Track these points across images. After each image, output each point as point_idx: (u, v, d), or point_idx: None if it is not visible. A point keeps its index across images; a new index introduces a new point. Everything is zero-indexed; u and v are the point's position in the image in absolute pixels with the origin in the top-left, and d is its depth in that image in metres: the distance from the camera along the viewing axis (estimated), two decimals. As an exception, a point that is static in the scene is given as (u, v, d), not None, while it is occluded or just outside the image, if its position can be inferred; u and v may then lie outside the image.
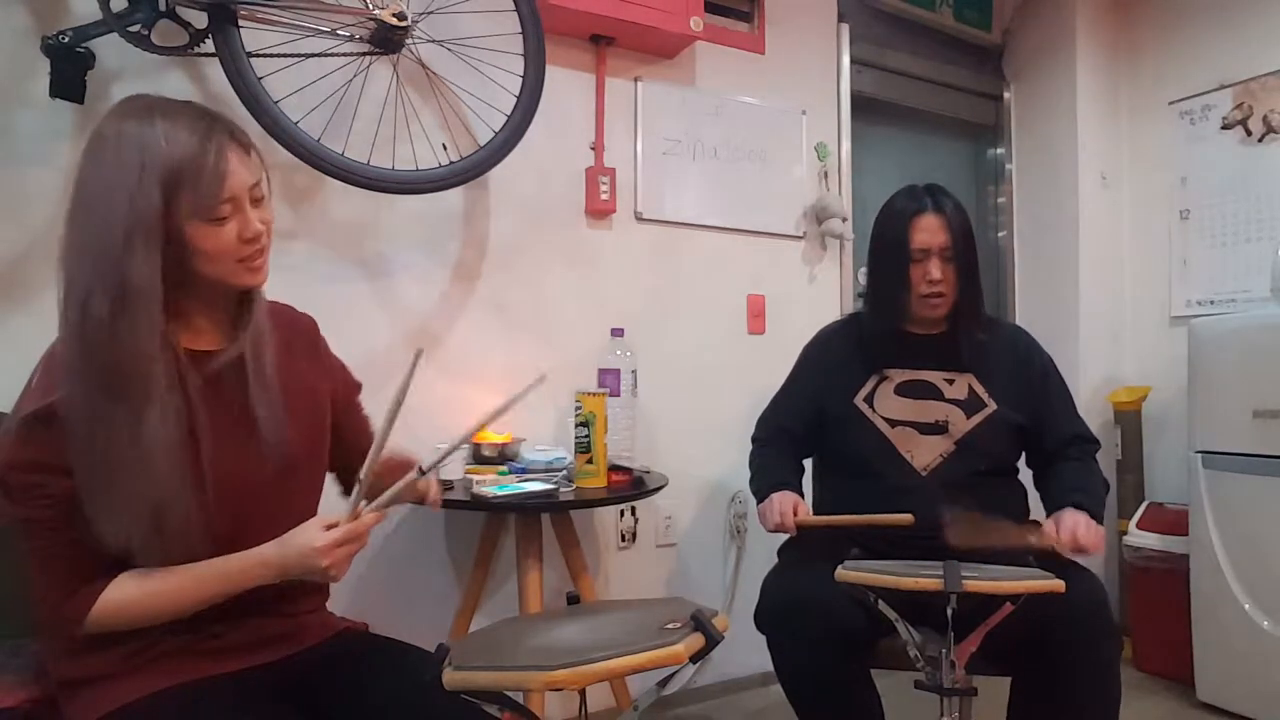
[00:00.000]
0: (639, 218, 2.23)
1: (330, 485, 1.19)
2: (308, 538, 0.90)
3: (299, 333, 1.14)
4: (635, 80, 2.23)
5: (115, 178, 0.86)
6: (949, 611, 1.17)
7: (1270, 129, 2.54)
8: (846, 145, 2.62)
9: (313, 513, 1.10)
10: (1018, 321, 2.91)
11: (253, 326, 1.00)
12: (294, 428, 1.02)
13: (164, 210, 0.87)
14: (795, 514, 1.49)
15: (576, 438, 1.68)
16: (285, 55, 1.59)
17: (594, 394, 1.67)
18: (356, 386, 1.24)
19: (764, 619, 1.43)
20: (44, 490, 0.86)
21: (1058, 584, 1.14)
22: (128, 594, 0.89)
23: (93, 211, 0.86)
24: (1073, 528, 1.38)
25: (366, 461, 0.95)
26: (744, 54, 2.43)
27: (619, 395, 1.92)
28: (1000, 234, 3.11)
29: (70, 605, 0.88)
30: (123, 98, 0.95)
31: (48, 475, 0.86)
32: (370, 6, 1.62)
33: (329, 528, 0.91)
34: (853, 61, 2.65)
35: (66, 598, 0.88)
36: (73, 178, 0.89)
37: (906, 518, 1.38)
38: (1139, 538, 2.48)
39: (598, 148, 2.17)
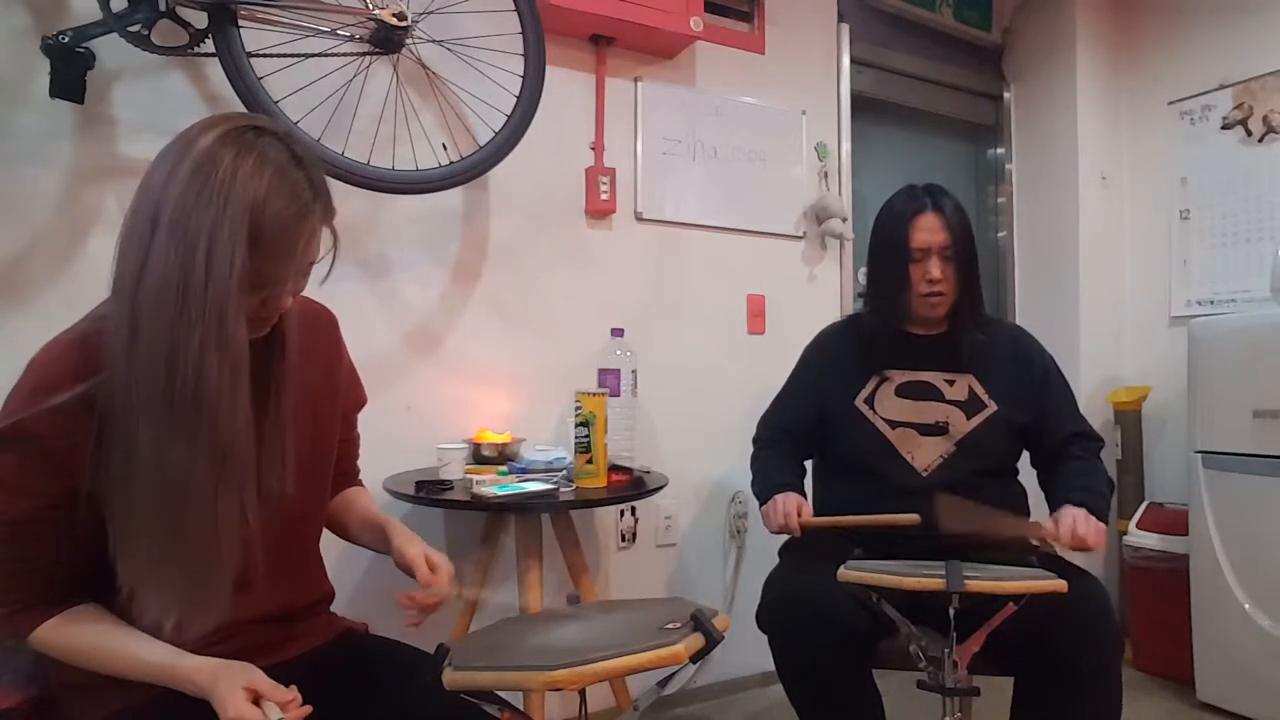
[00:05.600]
0: (639, 218, 2.23)
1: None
2: (228, 692, 0.81)
3: (317, 338, 1.07)
4: (635, 80, 2.23)
5: (217, 225, 0.79)
6: (951, 611, 1.17)
7: (1270, 129, 2.54)
8: (846, 145, 2.62)
9: (313, 561, 1.09)
10: (1018, 321, 2.91)
11: (279, 369, 0.94)
12: (297, 477, 0.95)
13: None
14: (799, 515, 1.49)
15: (576, 438, 1.68)
16: (285, 55, 1.58)
17: (594, 394, 1.67)
18: (361, 403, 1.18)
19: (765, 618, 1.43)
20: (3, 507, 0.83)
21: (1060, 584, 1.14)
22: (66, 644, 0.87)
23: (189, 246, 0.78)
24: (1071, 523, 1.38)
25: None
26: (744, 54, 2.43)
27: (619, 395, 1.92)
28: (1000, 234, 3.11)
29: (17, 620, 0.87)
30: (242, 123, 0.86)
31: (11, 493, 0.83)
32: (370, 6, 1.62)
33: (256, 699, 0.82)
34: (853, 61, 2.65)
35: (14, 612, 0.87)
36: (164, 177, 0.81)
37: (913, 518, 1.38)
38: (1139, 538, 2.48)
39: (598, 148, 2.16)
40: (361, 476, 1.25)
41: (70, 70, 1.48)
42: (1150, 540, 2.45)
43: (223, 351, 0.80)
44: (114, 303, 0.82)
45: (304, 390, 0.99)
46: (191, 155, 0.81)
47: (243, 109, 1.52)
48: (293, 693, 0.85)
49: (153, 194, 0.81)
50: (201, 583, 0.84)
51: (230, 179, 0.80)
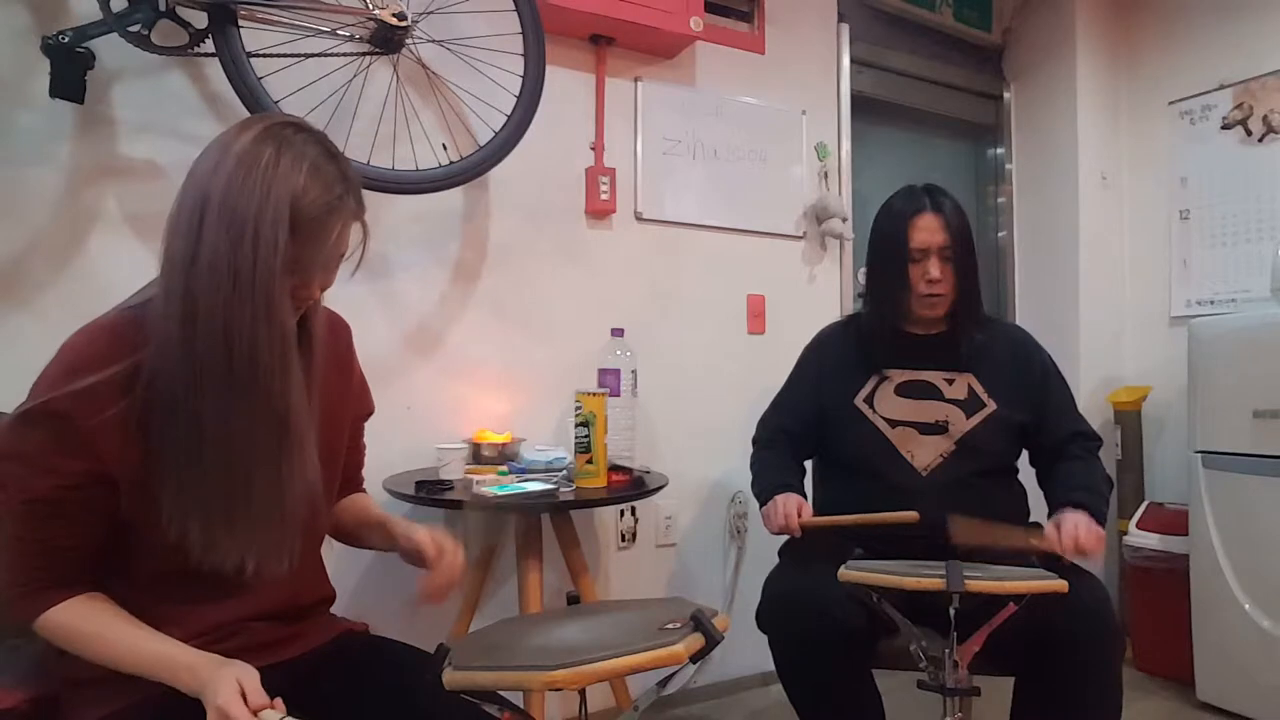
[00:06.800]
0: (639, 218, 2.23)
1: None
2: (220, 686, 0.81)
3: (335, 345, 1.09)
4: (635, 80, 2.23)
5: (262, 210, 0.84)
6: (951, 611, 1.17)
7: (1270, 129, 2.54)
8: (846, 145, 2.62)
9: (315, 562, 1.10)
10: (1018, 321, 2.91)
11: (307, 364, 0.97)
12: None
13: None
14: (799, 515, 1.49)
15: (576, 438, 1.68)
16: (285, 55, 1.59)
17: (594, 394, 1.67)
18: (369, 412, 1.21)
19: (765, 618, 1.43)
20: (25, 485, 0.85)
21: (1061, 584, 1.14)
22: (75, 626, 0.88)
23: (238, 230, 0.84)
24: (1073, 532, 1.38)
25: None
26: (744, 54, 2.43)
27: (619, 395, 1.92)
28: (1000, 234, 3.11)
29: (23, 604, 0.88)
30: (280, 121, 0.92)
31: (34, 471, 0.84)
32: (370, 6, 1.62)
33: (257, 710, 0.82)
34: (853, 61, 2.65)
35: (22, 595, 0.88)
36: (210, 169, 0.86)
37: (911, 515, 1.38)
38: (1139, 538, 2.48)
39: (598, 148, 2.17)
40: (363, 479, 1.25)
41: (70, 70, 1.48)
42: (1150, 540, 2.45)
43: (271, 327, 0.86)
44: (164, 283, 0.87)
45: (321, 392, 1.01)
46: (234, 150, 0.87)
47: (242, 109, 1.52)
48: (275, 704, 0.83)
49: (199, 185, 0.86)
50: (273, 531, 0.91)
51: (272, 170, 0.86)
